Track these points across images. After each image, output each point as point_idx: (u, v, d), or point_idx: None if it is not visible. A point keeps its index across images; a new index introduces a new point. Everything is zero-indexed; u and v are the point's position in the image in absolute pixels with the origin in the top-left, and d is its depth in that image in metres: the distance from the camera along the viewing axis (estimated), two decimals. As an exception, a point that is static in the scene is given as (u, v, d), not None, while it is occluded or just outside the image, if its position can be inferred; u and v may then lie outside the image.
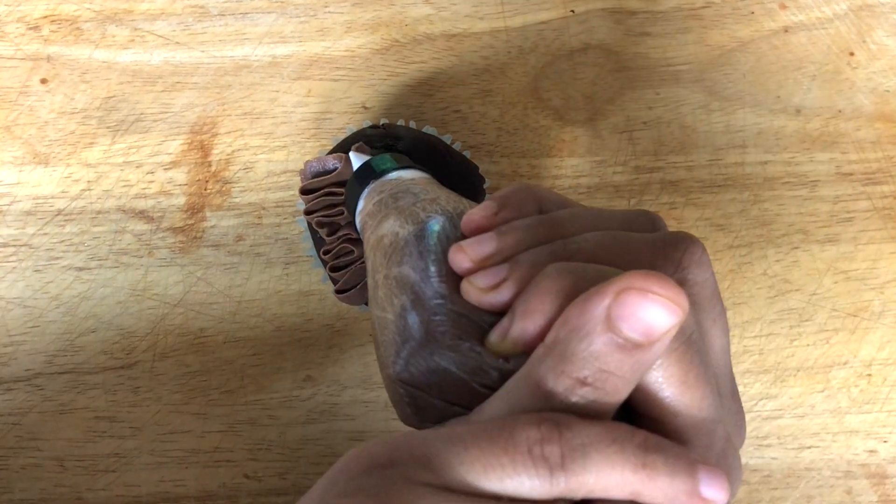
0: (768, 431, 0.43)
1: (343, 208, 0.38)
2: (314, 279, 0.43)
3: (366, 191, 0.33)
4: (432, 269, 0.26)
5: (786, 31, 0.46)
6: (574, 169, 0.45)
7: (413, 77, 0.45)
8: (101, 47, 0.44)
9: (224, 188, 0.44)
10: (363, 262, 0.38)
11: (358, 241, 0.38)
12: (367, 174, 0.34)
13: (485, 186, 0.41)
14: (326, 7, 0.45)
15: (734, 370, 0.42)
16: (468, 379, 0.25)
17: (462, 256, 0.26)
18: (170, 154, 0.44)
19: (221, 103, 0.44)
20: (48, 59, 0.44)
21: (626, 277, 0.21)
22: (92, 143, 0.44)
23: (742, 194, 0.44)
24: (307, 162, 0.39)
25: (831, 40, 0.46)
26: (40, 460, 0.42)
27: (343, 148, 0.40)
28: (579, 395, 0.22)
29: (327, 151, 0.41)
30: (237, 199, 0.44)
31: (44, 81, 0.44)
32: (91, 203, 0.43)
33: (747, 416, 0.43)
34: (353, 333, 0.43)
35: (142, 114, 0.44)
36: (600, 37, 0.45)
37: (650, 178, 0.45)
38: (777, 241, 0.44)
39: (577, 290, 0.22)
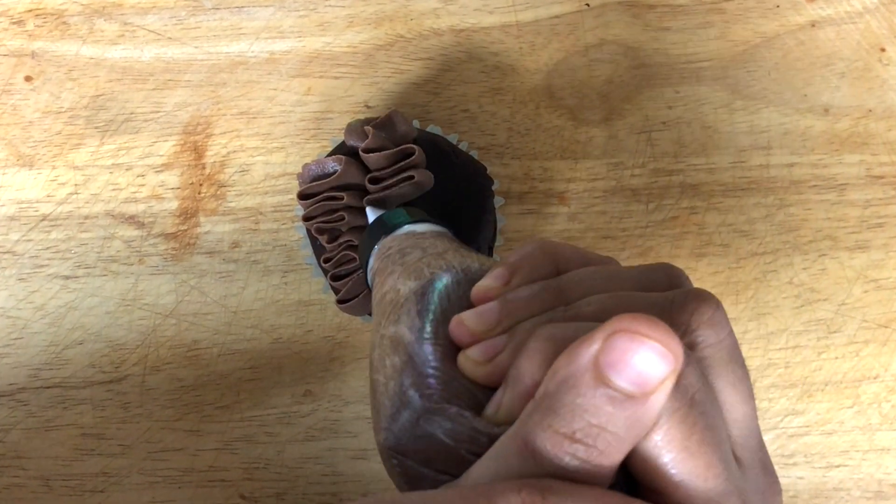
0: (794, 449, 0.42)
1: (343, 214, 0.37)
2: (314, 288, 0.42)
3: (377, 247, 0.33)
4: (428, 329, 0.26)
5: (813, 25, 0.45)
6: (589, 171, 0.43)
7: (419, 74, 0.44)
8: (88, 43, 0.44)
9: (219, 192, 0.43)
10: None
11: None
12: (379, 230, 0.33)
13: (493, 188, 0.41)
14: (327, 0, 0.44)
15: (759, 385, 0.42)
16: (455, 446, 0.24)
17: (462, 329, 0.25)
18: (161, 156, 0.43)
19: (216, 102, 0.43)
20: (33, 55, 0.43)
21: (614, 321, 0.20)
22: (79, 145, 0.43)
23: (767, 198, 0.43)
24: (305, 165, 0.38)
25: (861, 35, 0.45)
26: (24, 480, 0.41)
27: (343, 150, 0.39)
28: (569, 454, 0.21)
29: (327, 153, 0.40)
30: (233, 204, 0.43)
31: (28, 79, 0.43)
32: (78, 208, 0.42)
33: (772, 434, 0.41)
34: (356, 346, 0.42)
35: (132, 113, 0.43)
36: (617, 32, 0.44)
37: (669, 181, 0.43)
38: (804, 248, 0.43)
39: None
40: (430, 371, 0.25)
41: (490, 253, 0.40)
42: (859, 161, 0.44)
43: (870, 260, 0.43)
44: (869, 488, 0.42)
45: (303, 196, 0.38)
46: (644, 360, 0.19)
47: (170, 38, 0.44)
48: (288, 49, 0.44)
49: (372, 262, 0.32)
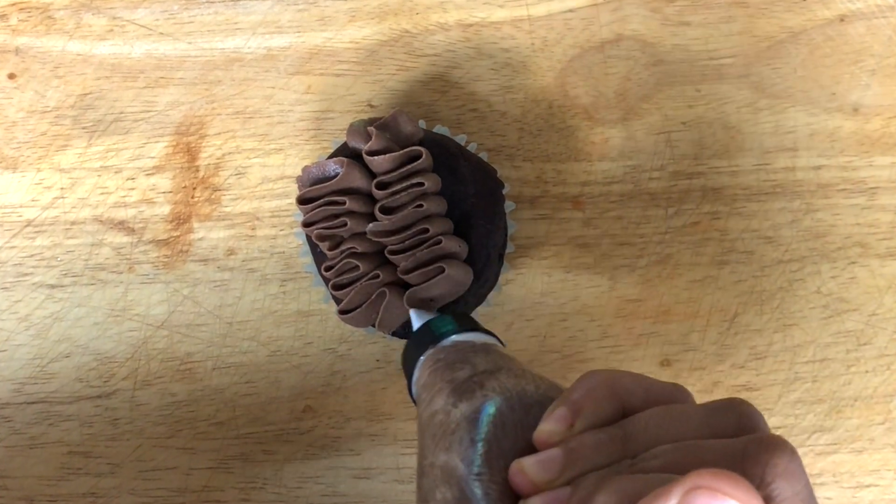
0: (822, 468, 0.42)
1: (346, 219, 0.37)
2: (314, 298, 0.42)
3: (422, 357, 0.33)
4: (483, 462, 0.26)
5: (842, 20, 0.44)
6: (605, 174, 0.43)
7: (425, 72, 0.43)
8: (75, 38, 0.43)
9: (213, 196, 0.42)
10: (369, 280, 0.37)
11: (363, 256, 0.37)
12: (426, 338, 0.33)
13: (504, 192, 0.40)
14: (328, -7, 0.45)
15: (784, 400, 0.41)
16: None
17: (522, 478, 0.26)
18: (153, 158, 0.43)
19: (210, 101, 0.43)
20: (16, 51, 0.43)
21: (693, 476, 0.20)
22: (65, 146, 0.43)
23: (793, 203, 0.43)
24: (305, 168, 0.38)
25: (893, 30, 0.44)
26: (8, 500, 0.41)
27: (345, 151, 0.39)
28: None
29: (328, 155, 0.39)
30: (228, 209, 0.42)
31: (12, 77, 0.43)
32: (64, 213, 0.42)
33: (799, 451, 0.40)
34: (358, 359, 0.42)
35: (121, 113, 0.43)
36: (634, 27, 0.44)
37: (690, 184, 0.43)
38: (832, 256, 0.43)
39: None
40: None
41: (500, 261, 0.39)
42: (891, 163, 0.43)
43: (902, 268, 0.43)
44: (901, 509, 0.42)
45: (302, 200, 0.37)
46: None
47: (161, 34, 0.43)
48: (286, 45, 0.43)
49: (417, 373, 0.32)
